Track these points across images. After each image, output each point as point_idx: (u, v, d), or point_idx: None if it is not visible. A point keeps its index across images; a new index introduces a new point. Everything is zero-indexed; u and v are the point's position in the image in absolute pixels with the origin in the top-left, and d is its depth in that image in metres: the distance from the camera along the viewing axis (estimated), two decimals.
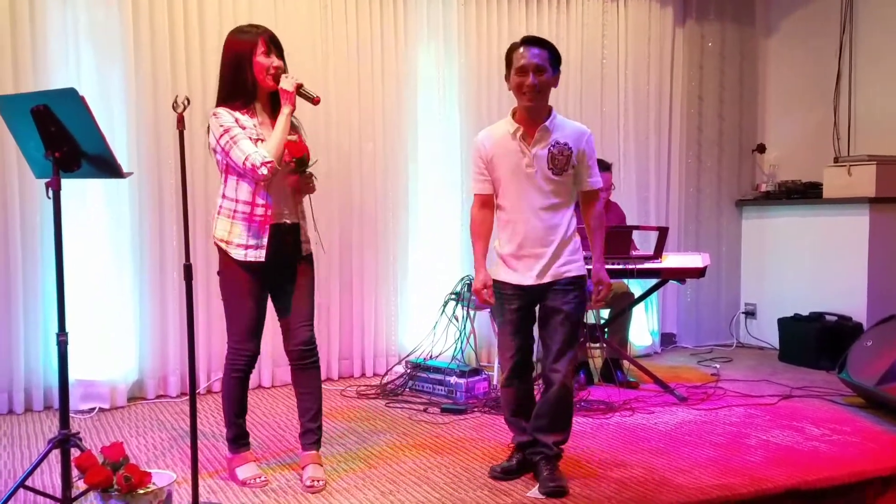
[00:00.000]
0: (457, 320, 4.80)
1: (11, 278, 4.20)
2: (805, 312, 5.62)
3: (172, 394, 4.58)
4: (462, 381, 4.42)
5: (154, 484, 2.57)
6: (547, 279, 3.09)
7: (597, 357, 4.84)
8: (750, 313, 6.27)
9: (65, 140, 2.76)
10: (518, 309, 3.14)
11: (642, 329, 5.78)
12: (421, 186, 5.29)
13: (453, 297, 4.81)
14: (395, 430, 3.94)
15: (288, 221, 3.14)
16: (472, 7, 5.36)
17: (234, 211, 3.05)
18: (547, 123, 3.07)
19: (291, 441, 3.75)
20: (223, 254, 3.10)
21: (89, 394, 4.30)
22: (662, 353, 5.91)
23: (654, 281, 4.72)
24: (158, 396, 4.58)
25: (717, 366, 5.35)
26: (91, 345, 4.29)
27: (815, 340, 5.32)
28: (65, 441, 2.84)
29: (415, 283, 5.30)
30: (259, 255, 3.05)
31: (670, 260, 4.49)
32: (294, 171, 3.12)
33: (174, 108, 2.69)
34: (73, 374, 4.13)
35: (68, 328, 2.85)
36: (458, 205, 5.38)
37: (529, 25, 5.55)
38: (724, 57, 6.27)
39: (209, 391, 4.69)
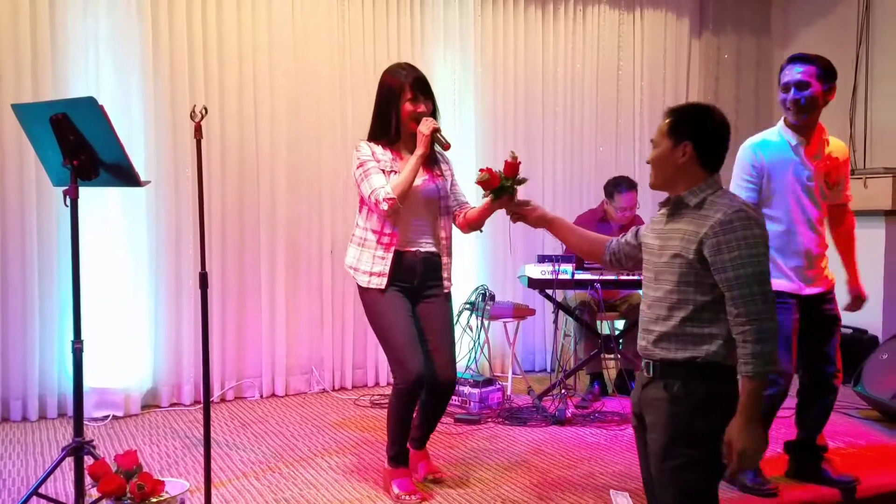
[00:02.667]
0: (471, 330, 4.78)
1: (27, 286, 4.22)
2: None
3: (186, 402, 4.59)
4: (476, 391, 4.41)
5: (167, 493, 2.58)
6: (821, 288, 3.17)
7: (611, 368, 4.82)
8: None
9: (83, 149, 2.79)
10: (800, 319, 3.15)
11: None
12: None
13: (468, 306, 4.80)
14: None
15: (422, 250, 3.15)
16: (488, 16, 5.37)
17: (364, 239, 3.15)
18: (824, 138, 3.16)
19: (304, 450, 3.75)
20: (355, 280, 3.18)
21: (103, 401, 4.31)
22: None
23: None
24: (172, 404, 4.59)
25: None
26: (105, 352, 4.30)
27: None
28: (78, 449, 2.86)
29: None
30: (381, 283, 3.09)
31: None
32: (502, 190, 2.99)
33: (192, 118, 2.71)
34: (87, 382, 4.12)
35: (84, 336, 2.86)
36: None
37: (546, 36, 5.57)
38: (740, 68, 6.25)
39: (223, 400, 4.70)
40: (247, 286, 4.77)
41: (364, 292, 3.15)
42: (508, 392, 4.69)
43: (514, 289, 5.32)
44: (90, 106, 2.73)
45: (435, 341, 3.17)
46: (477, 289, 4.82)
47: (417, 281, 3.16)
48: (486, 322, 4.77)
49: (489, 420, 4.25)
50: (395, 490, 3.14)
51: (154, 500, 2.52)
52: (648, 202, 5.81)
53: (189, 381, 4.60)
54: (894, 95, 5.60)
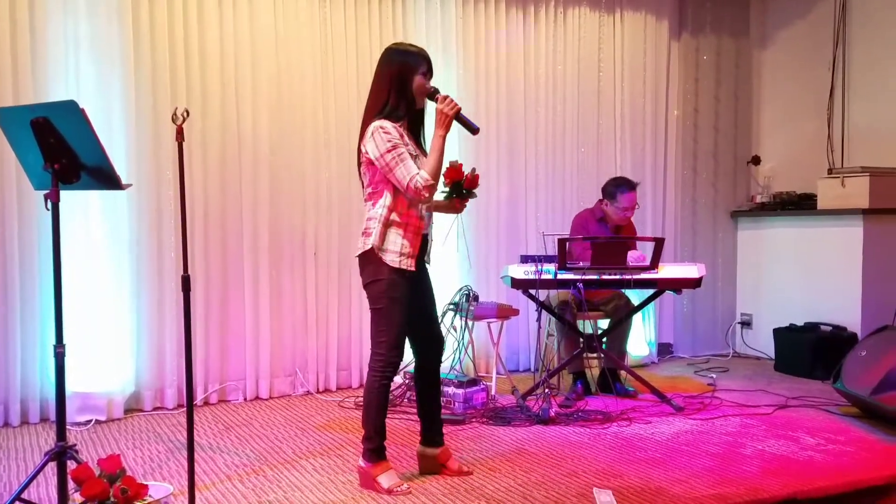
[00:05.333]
0: (455, 331, 4.80)
1: (8, 290, 4.20)
2: (800, 322, 5.64)
3: (169, 406, 4.58)
4: (460, 391, 4.43)
5: (150, 496, 2.58)
6: None
7: (594, 367, 4.86)
8: (746, 323, 6.29)
9: (64, 152, 2.78)
10: None
11: (639, 339, 5.80)
12: None
13: (451, 307, 4.82)
14: (393, 440, 3.91)
15: (428, 233, 3.28)
16: (469, 20, 5.39)
17: (389, 220, 3.16)
18: None
19: (288, 453, 3.75)
20: (376, 261, 3.17)
21: (86, 406, 4.29)
22: (659, 363, 5.93)
23: (650, 291, 4.74)
24: (156, 408, 4.57)
25: (714, 376, 5.36)
26: (88, 357, 4.29)
27: (810, 350, 5.34)
28: (61, 453, 2.85)
29: None
30: (411, 265, 3.17)
31: (666, 271, 4.51)
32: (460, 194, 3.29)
33: (173, 120, 2.72)
34: (70, 386, 4.10)
35: (66, 340, 2.85)
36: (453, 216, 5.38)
37: (527, 37, 5.59)
38: (719, 69, 6.31)
39: (206, 403, 4.69)
40: (230, 289, 4.77)
41: (387, 272, 3.15)
42: (493, 392, 4.71)
43: (498, 289, 5.35)
44: (71, 109, 2.72)
45: (430, 315, 3.37)
46: (461, 289, 4.84)
47: (423, 262, 3.30)
48: (470, 322, 4.79)
49: (473, 420, 4.27)
50: (385, 484, 3.18)
51: (138, 503, 2.52)
52: (647, 203, 5.88)
53: (172, 384, 4.58)
54: (871, 96, 5.68)
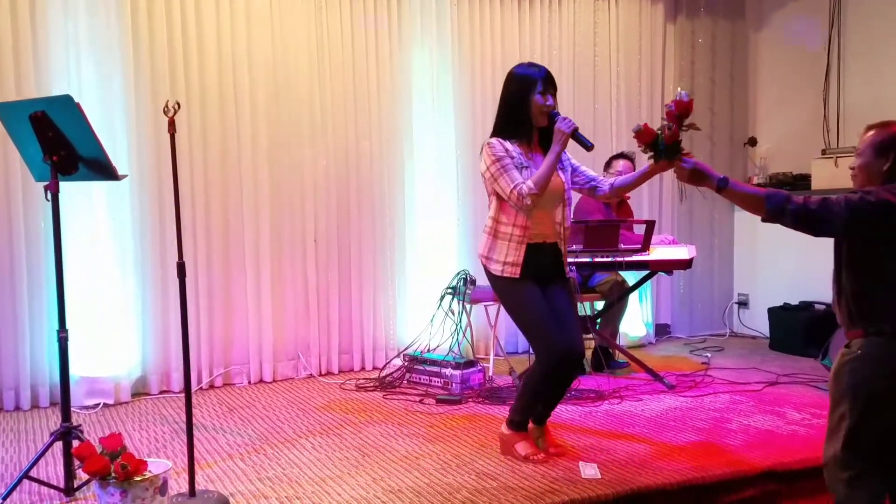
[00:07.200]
0: (453, 314, 4.90)
1: (17, 280, 4.33)
2: (795, 302, 5.70)
3: (175, 389, 4.70)
4: (458, 372, 4.54)
5: (150, 472, 2.69)
6: None
7: (587, 348, 4.94)
8: (743, 303, 6.36)
9: (62, 144, 2.91)
10: None
11: (637, 320, 5.88)
12: (418, 182, 5.40)
13: (450, 291, 4.92)
14: (391, 420, 4.05)
15: (548, 242, 3.34)
16: (464, 9, 5.45)
17: (496, 231, 3.31)
18: None
19: (289, 433, 3.87)
20: (488, 272, 3.37)
21: (94, 390, 4.43)
22: (657, 344, 6.01)
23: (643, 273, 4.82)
24: (162, 392, 4.71)
25: (709, 355, 5.44)
26: (95, 342, 4.42)
27: (803, 329, 5.42)
28: (66, 434, 2.99)
29: (412, 278, 5.41)
30: (515, 272, 3.27)
31: (658, 252, 4.59)
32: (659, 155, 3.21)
33: (165, 113, 2.82)
34: (78, 371, 4.27)
35: (73, 327, 2.97)
36: (453, 201, 5.48)
37: (522, 25, 5.65)
38: (714, 52, 6.34)
39: (212, 386, 4.82)
40: (232, 275, 4.89)
41: (496, 280, 3.33)
42: (490, 373, 4.81)
43: None
44: (67, 103, 2.85)
45: (566, 323, 3.34)
46: (458, 273, 4.93)
47: (545, 271, 3.33)
48: (467, 306, 4.89)
49: (470, 400, 4.38)
50: (521, 451, 3.37)
51: (137, 478, 2.63)
52: (644, 186, 5.91)
53: (178, 368, 4.71)
54: (866, 76, 5.70)
